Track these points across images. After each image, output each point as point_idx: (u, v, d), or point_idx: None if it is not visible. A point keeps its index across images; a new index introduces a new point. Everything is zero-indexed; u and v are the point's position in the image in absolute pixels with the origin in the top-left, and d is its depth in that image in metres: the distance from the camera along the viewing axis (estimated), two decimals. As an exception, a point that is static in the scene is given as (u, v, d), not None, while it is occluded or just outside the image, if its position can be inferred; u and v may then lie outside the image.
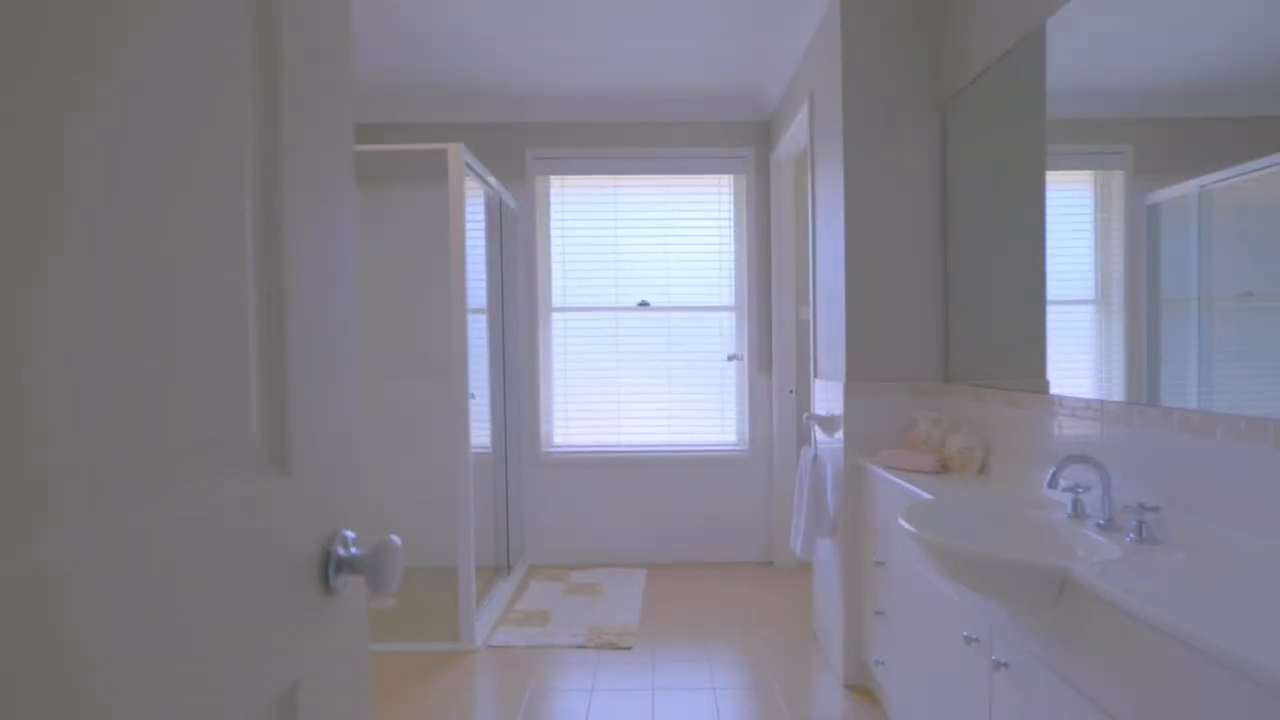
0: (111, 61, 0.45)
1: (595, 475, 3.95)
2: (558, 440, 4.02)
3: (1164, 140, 1.50)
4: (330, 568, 0.69)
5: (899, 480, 2.05)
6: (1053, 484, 1.50)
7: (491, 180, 3.47)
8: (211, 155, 0.55)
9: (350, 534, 0.74)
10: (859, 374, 2.45)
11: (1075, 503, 1.59)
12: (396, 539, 0.73)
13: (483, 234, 3.66)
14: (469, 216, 3.66)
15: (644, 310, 3.98)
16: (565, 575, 3.73)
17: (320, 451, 0.69)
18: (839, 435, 2.51)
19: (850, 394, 2.44)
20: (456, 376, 2.83)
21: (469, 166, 3.04)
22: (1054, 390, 1.87)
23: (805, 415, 2.67)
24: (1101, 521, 1.49)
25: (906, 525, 1.53)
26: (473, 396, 2.95)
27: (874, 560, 2.27)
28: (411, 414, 3.92)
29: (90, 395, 0.43)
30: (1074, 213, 1.84)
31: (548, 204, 3.98)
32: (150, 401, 0.48)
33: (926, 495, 1.87)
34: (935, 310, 2.46)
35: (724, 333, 3.99)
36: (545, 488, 3.96)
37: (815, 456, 2.56)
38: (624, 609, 3.24)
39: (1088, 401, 1.69)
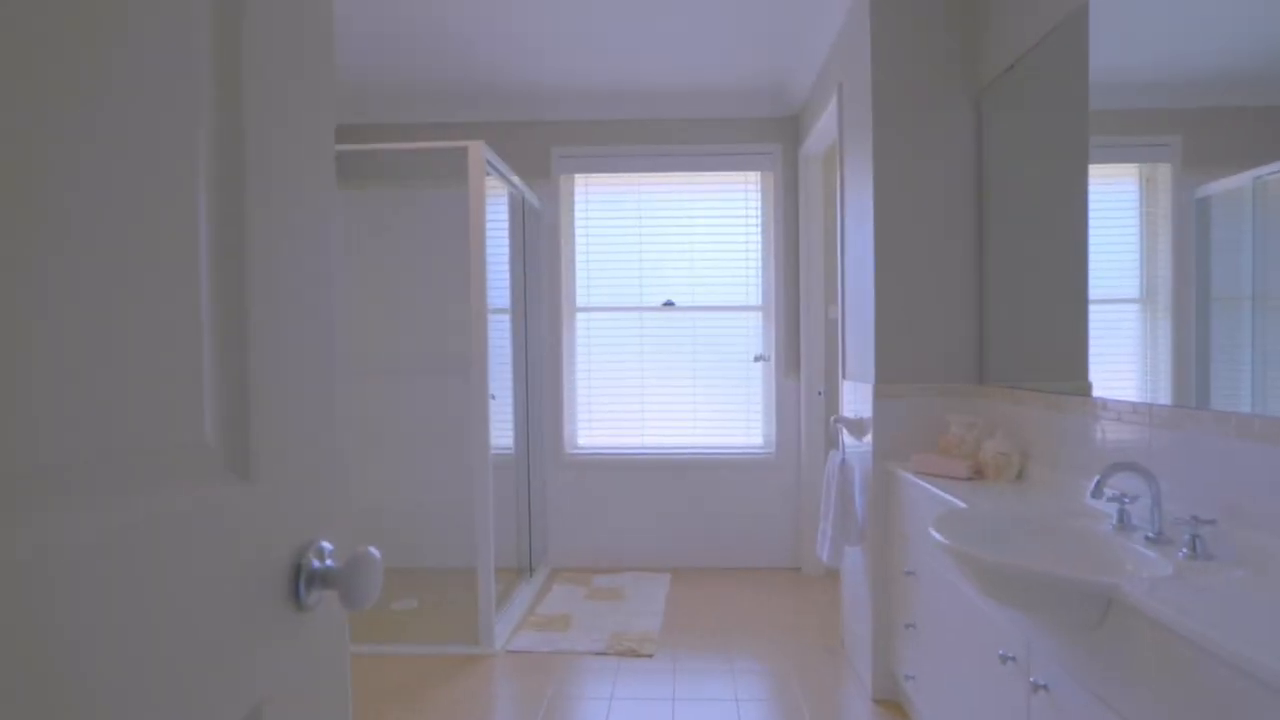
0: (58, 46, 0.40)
1: (619, 477, 3.90)
2: (582, 441, 3.97)
3: (1215, 130, 1.41)
4: (302, 582, 0.65)
5: (930, 487, 1.96)
6: (1097, 493, 1.40)
7: (515, 179, 3.44)
8: (159, 136, 0.50)
9: (328, 545, 0.69)
10: (889, 375, 2.36)
11: (1121, 513, 1.48)
12: (375, 551, 0.68)
13: (506, 233, 3.63)
14: (492, 216, 3.63)
15: (669, 310, 3.92)
16: (588, 579, 3.68)
17: (292, 456, 0.65)
18: (868, 439, 2.42)
19: (879, 396, 2.35)
20: (476, 376, 2.80)
21: (491, 165, 3.01)
22: (1096, 393, 1.76)
23: (832, 418, 2.58)
24: (1150, 534, 1.39)
25: (937, 535, 1.45)
26: (493, 397, 2.92)
27: (904, 570, 2.17)
28: (435, 414, 3.91)
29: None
30: (1116, 207, 1.75)
31: (572, 203, 3.94)
32: (76, 399, 0.43)
33: (959, 503, 1.77)
34: (969, 308, 2.35)
35: (751, 333, 3.90)
36: (569, 489, 3.92)
37: (843, 461, 2.48)
38: (646, 615, 3.18)
39: (1135, 405, 1.59)
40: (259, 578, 0.60)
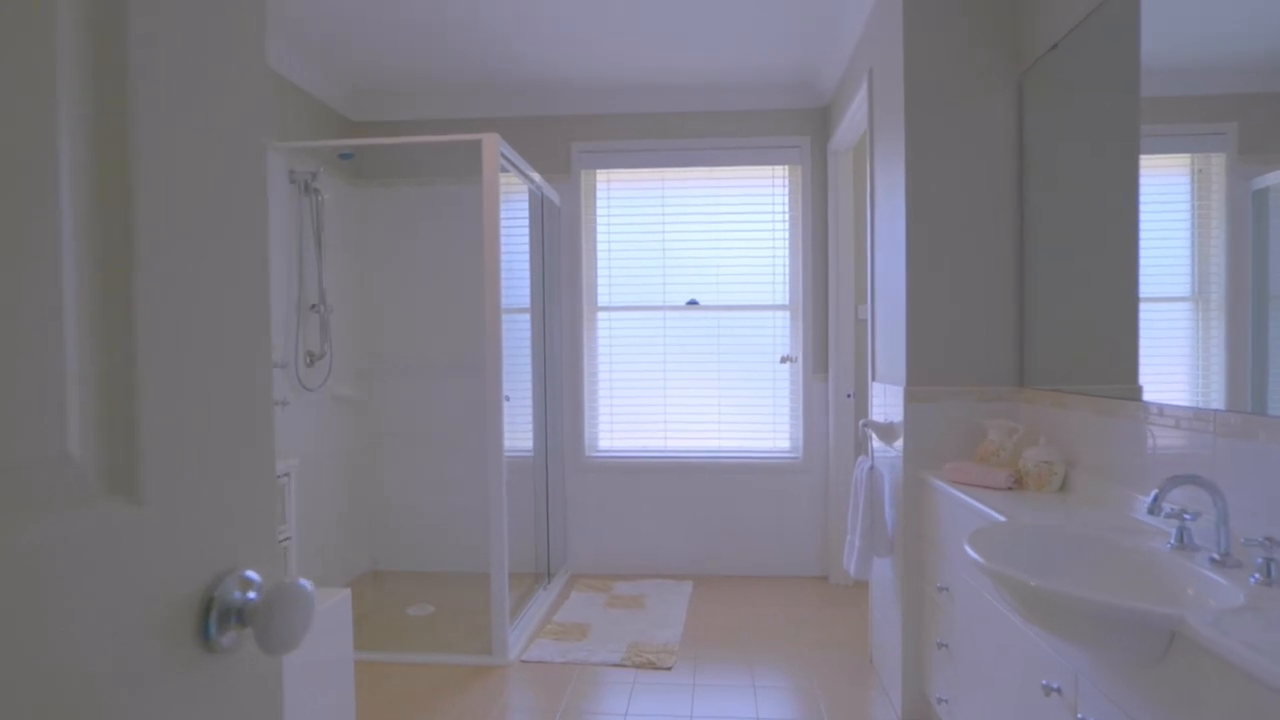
0: None
1: (641, 481, 3.79)
2: (603, 444, 3.88)
3: (1274, 117, 1.27)
4: (213, 619, 0.55)
5: (966, 498, 1.81)
6: (1155, 509, 1.25)
7: (535, 176, 3.36)
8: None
9: (255, 575, 0.60)
10: (921, 377, 2.21)
11: (1181, 532, 1.33)
12: (306, 583, 0.58)
13: (525, 231, 3.55)
14: (511, 213, 3.56)
15: (693, 309, 3.80)
16: (608, 586, 3.58)
17: (205, 473, 0.55)
18: (898, 444, 2.28)
19: (911, 399, 2.20)
20: (490, 377, 2.72)
21: (507, 160, 2.93)
22: (1147, 396, 1.60)
23: (861, 422, 2.45)
24: (1216, 556, 1.24)
25: (974, 554, 1.31)
26: (507, 398, 2.84)
27: (937, 585, 2.03)
28: (455, 415, 3.85)
29: None
30: (1165, 200, 1.61)
31: (593, 199, 3.84)
32: None
33: (998, 516, 1.63)
34: (1008, 306, 2.20)
35: (777, 333, 3.77)
36: (589, 493, 3.82)
37: (871, 468, 2.34)
38: (667, 624, 3.07)
39: (1196, 410, 1.43)
40: (155, 617, 0.50)
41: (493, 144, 2.67)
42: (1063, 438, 1.93)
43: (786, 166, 3.72)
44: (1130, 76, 1.66)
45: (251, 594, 0.58)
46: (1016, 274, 2.20)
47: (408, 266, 3.86)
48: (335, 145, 3.36)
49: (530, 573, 3.55)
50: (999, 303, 2.20)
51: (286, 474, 2.63)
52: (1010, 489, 1.89)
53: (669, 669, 2.65)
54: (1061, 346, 1.98)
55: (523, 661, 2.73)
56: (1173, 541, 1.34)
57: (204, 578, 0.55)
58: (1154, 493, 1.26)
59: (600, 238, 3.84)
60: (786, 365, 3.76)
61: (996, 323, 2.20)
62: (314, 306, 3.38)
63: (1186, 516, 1.33)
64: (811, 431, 3.71)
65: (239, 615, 0.57)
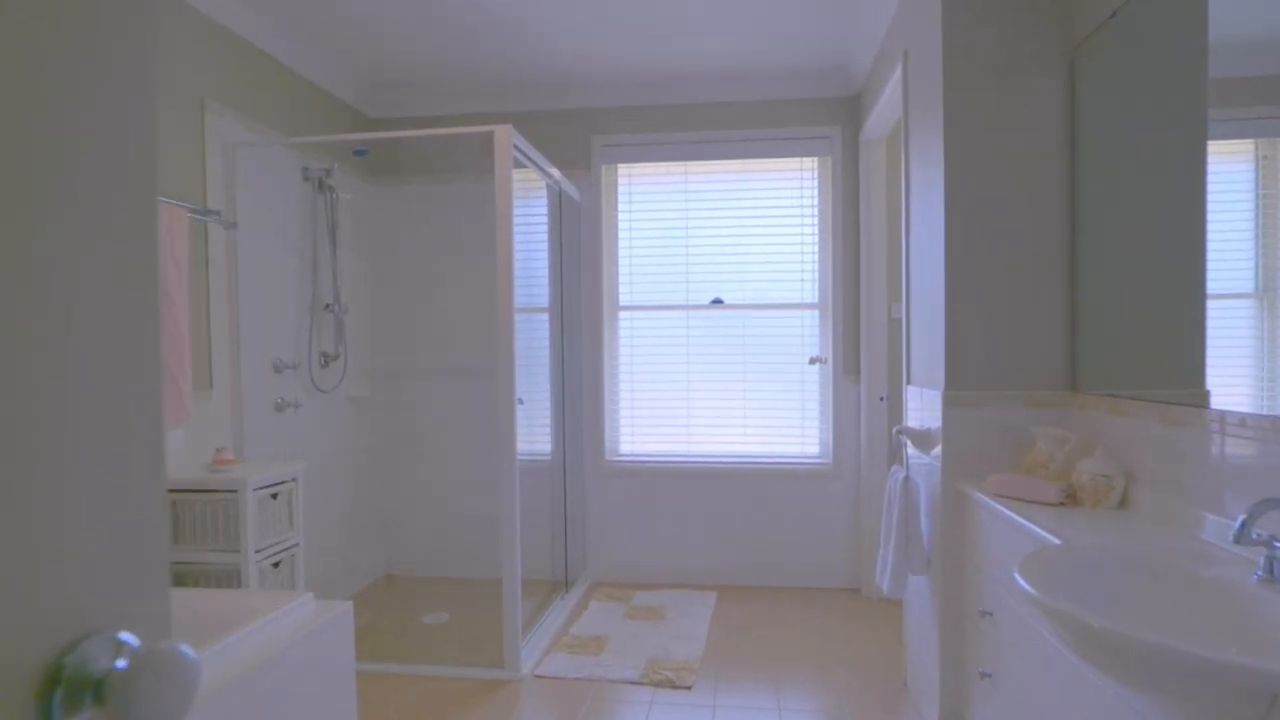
0: None
1: (664, 487, 3.66)
2: (624, 448, 3.75)
3: None
4: (56, 701, 0.43)
5: (1013, 514, 1.64)
6: (1241, 538, 1.08)
7: (554, 172, 3.25)
8: None
9: (130, 638, 0.48)
10: (962, 380, 2.04)
11: (1270, 561, 1.16)
12: (186, 650, 0.46)
13: (544, 228, 3.44)
14: (529, 210, 3.45)
15: (718, 309, 3.66)
16: (629, 596, 3.45)
17: (53, 509, 0.44)
18: (936, 453, 2.11)
19: (950, 404, 2.03)
20: (503, 378, 2.61)
21: (522, 153, 2.82)
22: (1215, 403, 1.43)
23: (895, 429, 2.28)
24: (1315, 592, 1.06)
25: (1026, 585, 1.15)
26: (520, 401, 2.73)
27: (979, 609, 1.86)
28: (472, 417, 3.75)
29: None
30: (1226, 189, 1.47)
31: (614, 195, 3.72)
32: None
33: (1050, 538, 1.46)
34: (1059, 303, 2.02)
35: (806, 333, 3.60)
36: (610, 499, 3.70)
37: (906, 477, 2.17)
38: (688, 639, 2.93)
39: (1285, 422, 1.25)
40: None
41: (505, 136, 2.56)
42: (1121, 448, 1.75)
43: (815, 158, 3.56)
44: (1195, 48, 1.49)
45: (122, 662, 0.46)
46: (1067, 268, 2.02)
47: (424, 265, 3.77)
48: (346, 140, 3.28)
49: (548, 580, 3.44)
50: (1048, 300, 2.02)
51: (294, 479, 2.54)
52: (1062, 504, 1.71)
53: (688, 688, 2.51)
54: (1119, 347, 1.79)
55: (536, 676, 2.61)
56: (1260, 572, 1.16)
57: (50, 644, 0.43)
58: (1240, 518, 1.09)
59: (622, 235, 3.72)
60: (816, 367, 3.60)
61: (1045, 321, 2.02)
62: (328, 306, 3.31)
63: (1277, 544, 1.16)
64: (842, 436, 3.53)
65: (96, 691, 0.45)
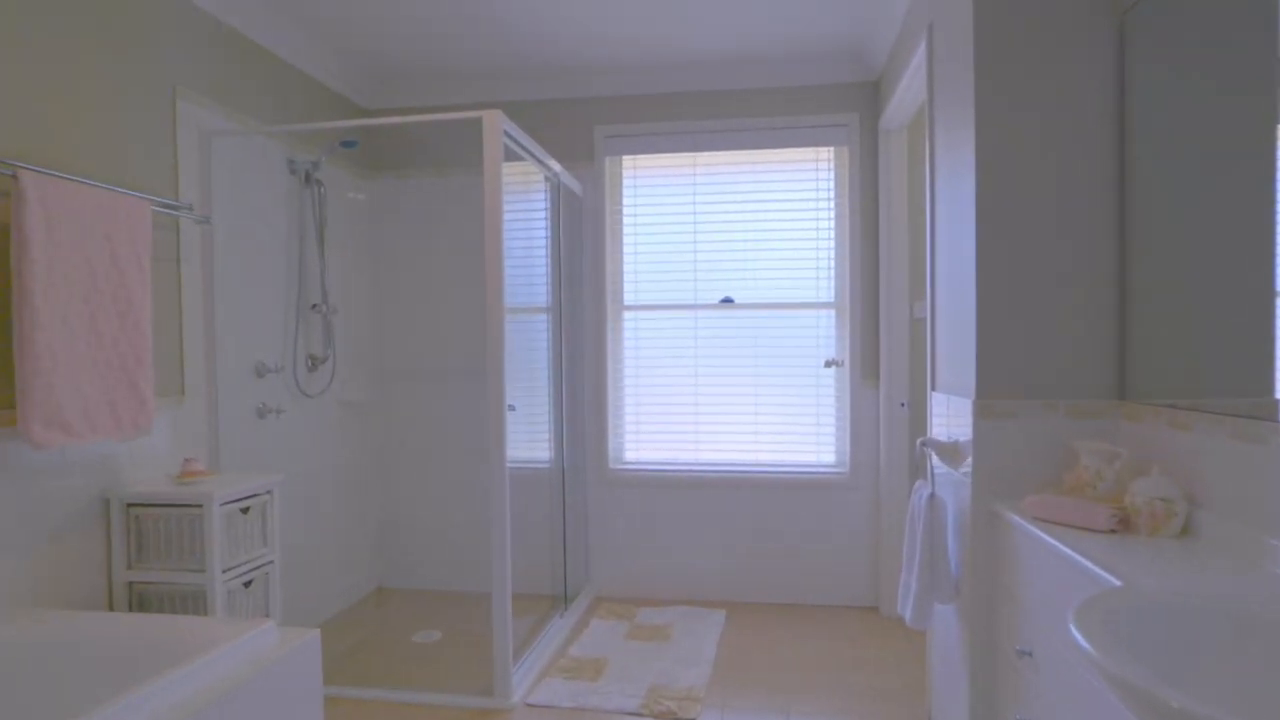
0: None
1: (670, 497, 3.45)
2: (629, 456, 3.55)
3: None
4: None
5: (1058, 544, 1.42)
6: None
7: (553, 164, 3.06)
8: None
9: None
10: (995, 388, 1.82)
11: (1392, 617, 0.93)
12: None
13: (543, 224, 3.26)
14: (528, 205, 3.27)
15: (727, 308, 3.45)
16: (632, 612, 3.25)
17: None
18: (966, 468, 1.89)
19: (982, 414, 1.81)
20: (492, 382, 2.42)
21: (515, 141, 2.63)
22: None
23: (919, 441, 2.06)
24: None
25: (1085, 643, 0.94)
26: (511, 408, 2.54)
27: (1016, 648, 1.63)
28: (466, 422, 3.57)
29: None
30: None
31: (619, 188, 3.52)
32: None
33: (1106, 575, 1.24)
34: (1105, 301, 1.79)
35: (821, 334, 3.38)
36: (613, 510, 3.50)
37: (932, 495, 1.95)
38: (694, 662, 2.72)
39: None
40: None
41: (494, 121, 2.37)
42: (1181, 467, 1.52)
43: (832, 148, 3.34)
44: (1266, 10, 1.27)
45: None
46: (1116, 262, 1.79)
47: (419, 263, 3.60)
48: (329, 129, 3.12)
49: (548, 595, 3.25)
50: (1093, 297, 1.79)
51: (268, 491, 2.37)
52: (1113, 531, 1.49)
53: (692, 721, 2.30)
54: (1176, 351, 1.57)
55: (527, 705, 2.42)
56: (1379, 631, 0.94)
57: None
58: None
59: (627, 230, 3.52)
60: (832, 370, 3.38)
61: (1089, 322, 1.79)
62: (315, 306, 3.14)
63: (1401, 596, 0.93)
64: (860, 444, 3.31)
65: None
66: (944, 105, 2.14)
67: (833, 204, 3.35)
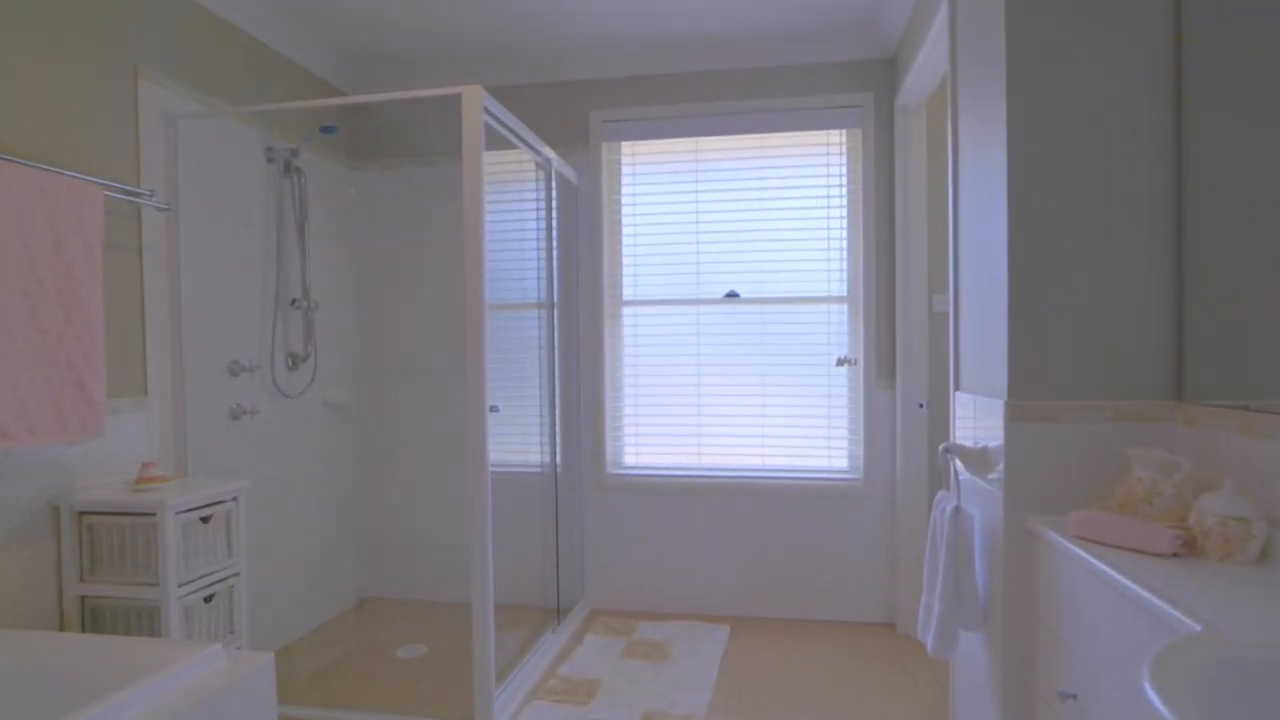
0: None
1: (671, 504, 3.25)
2: (628, 460, 3.35)
3: None
4: None
5: (1111, 571, 1.21)
6: None
7: (547, 151, 2.87)
8: None
9: None
10: (1030, 387, 1.60)
11: None
12: None
13: (534, 214, 3.06)
14: (519, 194, 3.08)
15: (732, 303, 3.24)
16: (631, 627, 3.05)
17: None
18: (995, 478, 1.67)
19: (1015, 416, 1.60)
20: (473, 382, 2.22)
21: (501, 123, 2.44)
22: None
23: (942, 447, 1.85)
24: None
25: (1167, 711, 0.73)
26: (494, 409, 2.35)
27: (1058, 689, 1.42)
28: (454, 424, 3.38)
29: None
30: None
31: (617, 177, 3.32)
32: None
33: (1177, 614, 1.02)
34: (1159, 289, 1.57)
35: (833, 330, 3.17)
36: (611, 517, 3.30)
37: (957, 508, 1.73)
38: (694, 684, 2.51)
39: None
40: None
41: (474, 98, 2.18)
42: (1258, 481, 1.30)
43: (844, 131, 3.12)
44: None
45: None
46: (1173, 246, 1.57)
47: (407, 257, 3.42)
48: (301, 109, 2.94)
49: (539, 607, 3.06)
50: (1145, 284, 1.57)
51: (233, 499, 2.20)
52: (1176, 556, 1.27)
53: (689, 754, 2.10)
54: (1249, 343, 1.34)
55: (511, 733, 2.23)
56: None
57: None
58: None
59: (625, 221, 3.32)
60: (844, 369, 3.16)
61: (1140, 312, 1.57)
62: (294, 302, 2.96)
63: None
64: (875, 448, 3.09)
65: None
66: (969, 74, 1.93)
67: (845, 190, 3.13)
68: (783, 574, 3.17)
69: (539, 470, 3.09)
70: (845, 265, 3.14)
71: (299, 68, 3.06)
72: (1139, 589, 1.12)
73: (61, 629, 2.03)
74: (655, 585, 3.26)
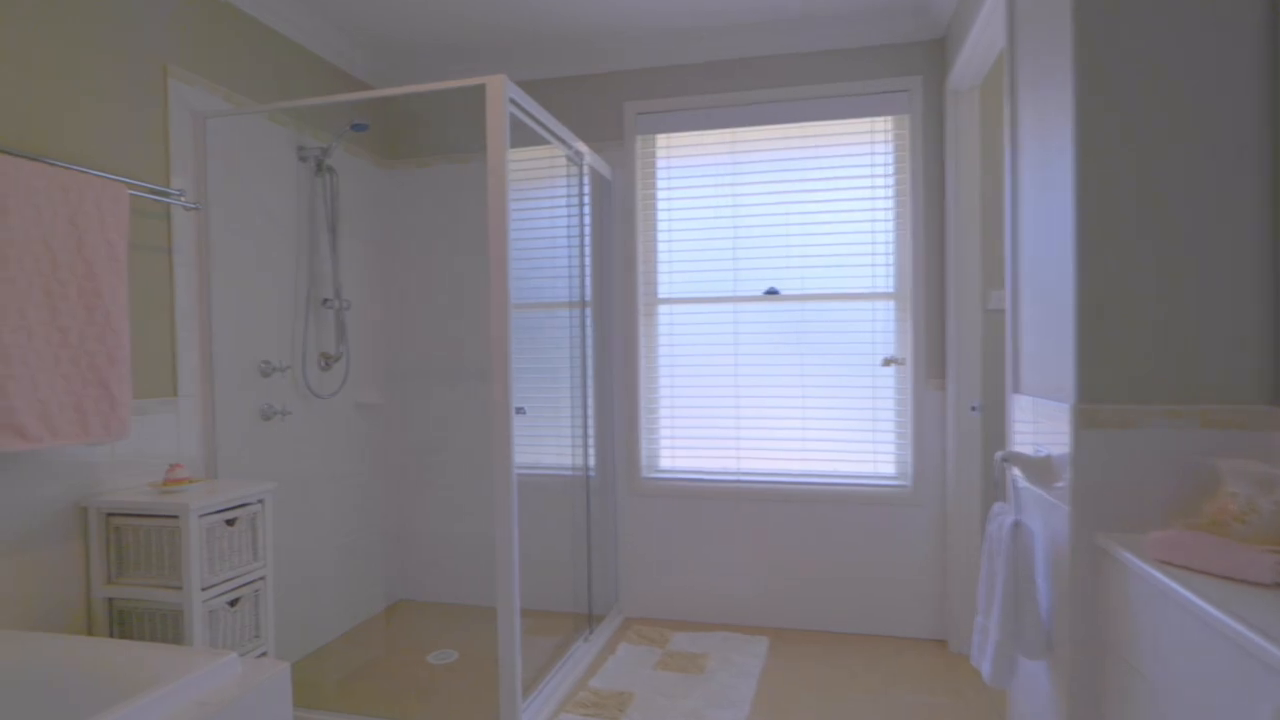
0: None
1: (708, 510, 3.13)
2: (663, 464, 3.24)
3: None
4: None
5: (1204, 604, 1.05)
6: None
7: (579, 145, 2.79)
8: None
9: None
10: (1101, 390, 1.44)
11: None
12: None
13: (565, 210, 2.98)
14: (550, 190, 3.00)
15: (772, 300, 3.11)
16: (666, 637, 2.94)
17: None
18: (1060, 489, 1.52)
19: (1084, 423, 1.44)
20: (498, 382, 2.15)
21: (530, 115, 2.36)
22: None
23: (999, 455, 1.69)
24: None
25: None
26: (520, 410, 2.26)
27: (1137, 730, 1.26)
28: (490, 426, 3.32)
29: None
30: None
31: (652, 170, 3.22)
32: None
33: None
34: (1254, 281, 1.39)
35: (879, 328, 3.01)
36: (647, 523, 3.20)
37: (1017, 523, 1.58)
38: (729, 702, 2.39)
39: None
40: None
41: (498, 88, 2.10)
42: (1376, 499, 1.12)
43: (891, 118, 2.95)
44: None
45: None
46: (1269, 230, 1.39)
47: (439, 257, 3.37)
48: (327, 105, 2.91)
49: (570, 614, 2.98)
50: (1236, 276, 1.40)
51: (259, 501, 2.16)
52: (1279, 585, 1.11)
53: (724, 778, 1.98)
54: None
55: (538, 748, 2.14)
56: None
57: None
58: None
59: (661, 216, 3.21)
60: (891, 369, 2.99)
61: (1231, 307, 1.40)
62: (326, 301, 2.94)
63: None
64: (924, 453, 2.92)
65: None
66: (1029, 50, 1.77)
67: (892, 180, 2.97)
68: (825, 584, 3.02)
69: (571, 473, 3.00)
70: (892, 260, 2.97)
71: (324, 62, 3.03)
72: (1244, 629, 0.96)
73: (89, 631, 2.02)
74: (691, 593, 3.15)
